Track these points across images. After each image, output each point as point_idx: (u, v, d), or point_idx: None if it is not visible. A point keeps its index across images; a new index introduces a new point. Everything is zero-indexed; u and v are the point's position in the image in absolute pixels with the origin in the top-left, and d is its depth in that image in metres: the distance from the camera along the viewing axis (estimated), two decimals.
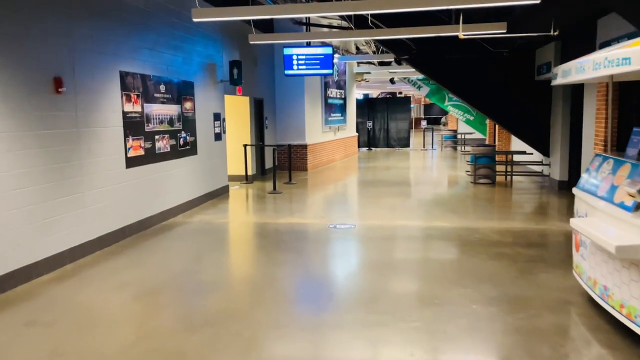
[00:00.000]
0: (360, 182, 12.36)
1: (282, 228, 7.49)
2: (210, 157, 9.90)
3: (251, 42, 9.42)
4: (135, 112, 7.28)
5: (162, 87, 8.03)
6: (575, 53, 8.02)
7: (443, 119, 46.03)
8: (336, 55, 14.94)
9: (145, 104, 7.53)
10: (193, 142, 9.13)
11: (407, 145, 22.69)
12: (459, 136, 22.10)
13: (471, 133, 21.99)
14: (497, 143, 15.97)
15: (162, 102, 8.04)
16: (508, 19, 8.31)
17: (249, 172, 12.33)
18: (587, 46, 7.34)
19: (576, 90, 9.96)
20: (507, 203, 9.36)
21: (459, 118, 21.71)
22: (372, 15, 9.11)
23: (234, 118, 12.22)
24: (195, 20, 7.36)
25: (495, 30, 7.95)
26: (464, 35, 7.40)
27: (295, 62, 11.76)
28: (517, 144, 14.74)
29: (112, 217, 6.73)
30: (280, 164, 14.44)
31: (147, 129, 7.59)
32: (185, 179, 8.84)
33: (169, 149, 8.24)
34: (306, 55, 11.69)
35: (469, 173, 12.05)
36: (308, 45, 12.43)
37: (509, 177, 11.97)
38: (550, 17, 7.72)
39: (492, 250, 6.08)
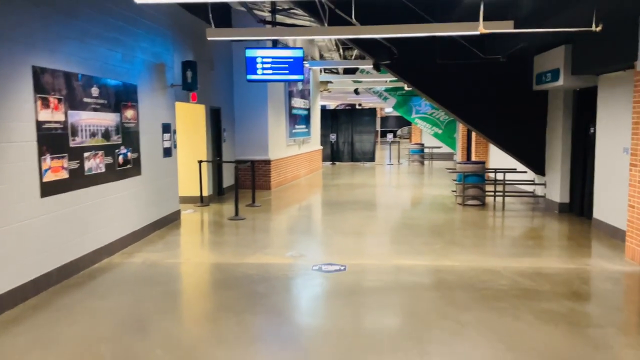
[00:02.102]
0: (334, 204, 10.81)
1: (252, 271, 5.82)
2: (157, 177, 8.09)
3: (209, 39, 7.73)
4: (55, 122, 5.45)
5: (95, 90, 6.22)
6: (603, 56, 6.82)
7: (399, 132, 45.37)
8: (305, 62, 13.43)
9: (70, 112, 5.71)
10: (136, 159, 7.32)
11: (372, 159, 21.41)
12: (426, 150, 21.03)
13: (439, 147, 20.97)
14: (473, 159, 14.86)
15: (95, 110, 6.23)
16: (514, 17, 7.03)
17: (205, 193, 10.55)
18: (625, 48, 6.10)
19: (581, 99, 8.85)
20: (512, 231, 8.04)
21: (426, 131, 20.66)
22: (345, 10, 7.65)
23: (188, 130, 10.44)
24: (136, 1, 5.64)
25: (502, 29, 6.66)
26: (486, 31, 6.03)
27: (259, 65, 10.13)
28: (496, 160, 13.65)
29: (19, 267, 4.86)
30: (240, 183, 12.68)
31: (72, 144, 5.76)
32: (125, 206, 7.02)
33: (103, 169, 6.42)
34: (273, 58, 10.10)
35: (455, 193, 10.76)
36: (275, 46, 10.84)
37: (498, 198, 10.76)
38: (563, 16, 6.50)
39: (536, 307, 4.65)
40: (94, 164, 6.21)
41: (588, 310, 4.60)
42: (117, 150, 6.77)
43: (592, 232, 7.74)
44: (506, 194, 10.40)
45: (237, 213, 9.07)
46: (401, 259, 6.38)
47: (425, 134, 22.28)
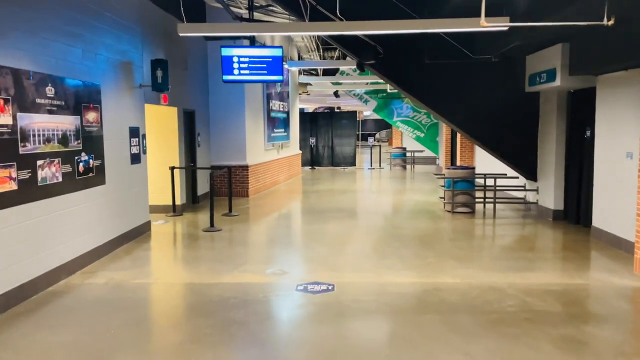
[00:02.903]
0: (315, 212, 10.20)
1: (229, 293, 5.17)
2: (124, 186, 7.38)
3: (181, 34, 7.08)
4: (1, 127, 4.73)
5: (50, 90, 5.51)
6: (605, 54, 6.38)
7: (377, 135, 45.02)
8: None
9: (20, 114, 4.99)
10: (99, 166, 6.61)
11: (353, 163, 20.88)
12: (408, 154, 20.59)
13: (421, 151, 20.57)
14: (459, 163, 14.44)
15: (50, 112, 5.52)
16: (510, 13, 6.56)
17: (178, 202, 9.83)
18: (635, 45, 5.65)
19: (576, 101, 8.44)
20: (509, 241, 7.56)
21: (408, 135, 20.24)
22: (328, 7, 7.08)
23: (159, 134, 9.72)
24: None
25: (503, 24, 6.19)
26: (487, 25, 5.52)
27: (236, 65, 9.48)
28: (483, 165, 13.25)
29: None
30: (217, 190, 11.99)
31: (23, 150, 5.05)
32: (87, 219, 6.29)
33: (60, 179, 5.70)
34: (250, 57, 9.46)
35: (443, 200, 10.27)
36: (252, 44, 10.20)
37: (488, 205, 10.31)
38: (564, 12, 6.05)
39: (552, 333, 4.12)
40: (49, 173, 5.49)
41: (610, 336, 4.09)
42: (77, 157, 6.05)
43: (592, 241, 7.31)
44: (499, 201, 9.95)
45: (212, 224, 8.39)
46: (393, 275, 5.81)
47: (407, 138, 21.87)
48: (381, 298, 5.02)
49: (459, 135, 14.55)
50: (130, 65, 7.65)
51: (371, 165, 21.02)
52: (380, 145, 23.03)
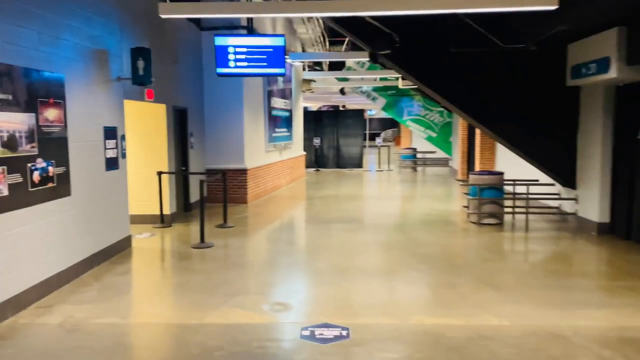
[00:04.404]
0: (322, 222, 9.02)
1: (214, 341, 4.00)
2: (97, 197, 6.22)
3: (163, 16, 5.93)
4: None
5: None
6: None
7: (383, 135, 43.76)
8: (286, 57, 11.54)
9: None
10: (63, 175, 5.45)
11: (360, 165, 19.67)
12: (419, 155, 19.38)
13: (433, 152, 19.35)
14: (478, 166, 13.23)
15: None
16: None
17: (167, 211, 8.67)
18: None
19: (626, 97, 7.24)
20: (553, 263, 6.34)
21: (419, 134, 19.03)
22: None
23: (144, 135, 8.56)
24: None
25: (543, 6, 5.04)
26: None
27: (232, 56, 8.31)
28: (505, 169, 12.04)
29: None
30: (212, 196, 10.84)
31: None
32: (45, 239, 5.13)
33: (5, 192, 4.54)
34: (248, 47, 8.28)
35: (467, 209, 9.07)
36: (250, 33, 9.03)
37: (517, 216, 9.11)
38: None
39: None
40: None
41: None
42: (30, 165, 4.89)
43: None
44: (532, 211, 8.74)
45: (202, 239, 7.22)
46: (423, 312, 4.63)
47: (416, 138, 20.66)
48: (413, 351, 3.84)
49: (477, 135, 13.34)
50: (105, 54, 6.49)
51: (379, 167, 19.82)
52: (389, 146, 21.81)
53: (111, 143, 6.59)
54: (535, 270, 5.93)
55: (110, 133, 6.59)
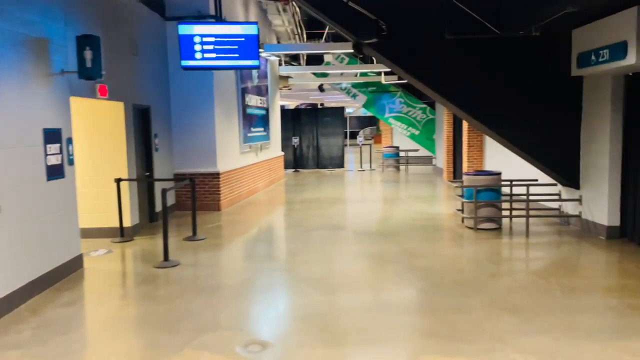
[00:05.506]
0: (304, 231, 8.13)
1: None
2: (35, 212, 5.22)
3: None
4: None
5: None
6: None
7: (361, 133, 43.05)
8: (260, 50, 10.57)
9: None
10: None
11: (341, 165, 18.83)
12: (401, 153, 18.62)
13: (416, 150, 18.63)
14: (466, 165, 12.51)
15: None
16: None
17: (127, 223, 7.67)
18: None
19: (637, 88, 6.54)
20: (570, 276, 5.53)
21: (401, 132, 18.29)
22: None
23: (98, 137, 7.54)
24: None
25: None
26: None
27: (199, 47, 7.38)
28: (495, 167, 11.34)
29: None
30: (182, 203, 9.86)
31: None
32: None
33: None
34: (217, 36, 7.36)
35: (461, 213, 8.30)
36: (218, 20, 8.08)
37: (515, 219, 8.38)
38: None
39: None
40: None
41: None
42: None
43: None
44: (532, 214, 8.01)
45: (166, 257, 6.26)
46: (433, 351, 3.78)
47: (398, 136, 19.91)
48: None
49: (464, 132, 12.61)
50: (45, 44, 5.49)
51: (361, 167, 19.01)
52: (370, 145, 21.02)
53: (54, 148, 5.59)
54: (551, 286, 5.15)
55: (53, 136, 5.59)
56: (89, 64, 5.78)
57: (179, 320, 4.46)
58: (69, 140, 5.96)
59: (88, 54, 5.77)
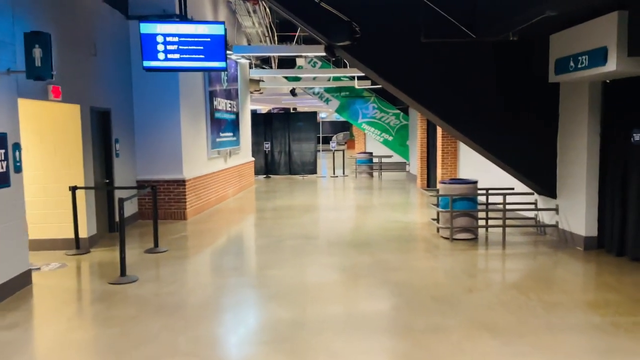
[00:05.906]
0: (273, 241, 7.76)
1: None
2: None
3: None
4: None
5: None
6: None
7: (334, 138, 42.85)
8: (229, 52, 10.14)
9: None
10: None
11: (314, 171, 18.50)
12: (375, 160, 18.40)
13: (390, 156, 18.44)
14: (440, 172, 12.33)
15: None
16: None
17: (84, 234, 7.16)
18: None
19: (615, 95, 6.41)
20: (550, 291, 5.30)
21: (374, 138, 18.08)
22: None
23: (51, 142, 7.03)
24: None
25: None
26: None
27: (161, 47, 6.96)
28: (469, 175, 11.19)
29: None
30: (145, 211, 9.36)
31: None
32: None
33: None
34: (181, 35, 6.95)
35: (437, 223, 8.06)
36: (183, 19, 7.67)
37: (490, 229, 8.19)
38: None
39: None
40: None
41: None
42: None
43: None
44: (509, 223, 7.81)
45: (123, 272, 5.80)
46: None
47: (371, 142, 19.69)
48: None
49: (439, 138, 12.44)
50: None
51: (334, 173, 18.72)
52: (343, 150, 20.76)
53: None
54: (532, 303, 4.91)
55: None
56: (38, 63, 5.32)
57: (132, 347, 4.03)
58: (16, 146, 5.46)
59: (37, 52, 5.31)
